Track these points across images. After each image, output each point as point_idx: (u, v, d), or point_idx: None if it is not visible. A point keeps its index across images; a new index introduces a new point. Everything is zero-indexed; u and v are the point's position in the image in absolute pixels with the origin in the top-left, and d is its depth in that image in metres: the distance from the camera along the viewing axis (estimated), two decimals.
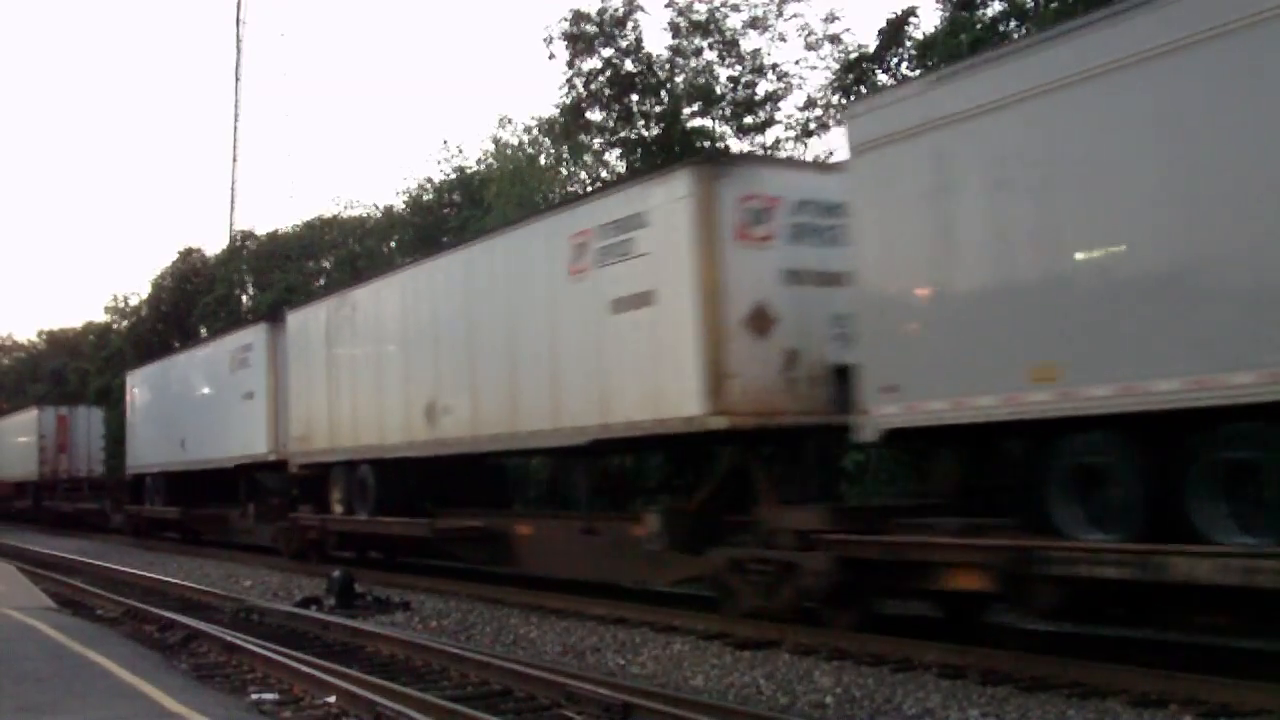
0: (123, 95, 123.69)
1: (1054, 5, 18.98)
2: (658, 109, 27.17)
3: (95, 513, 38.73)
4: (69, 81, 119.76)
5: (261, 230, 45.69)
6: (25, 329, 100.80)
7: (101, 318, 58.77)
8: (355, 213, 42.21)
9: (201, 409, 26.89)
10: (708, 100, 27.13)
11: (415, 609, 14.95)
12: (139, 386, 33.22)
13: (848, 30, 30.45)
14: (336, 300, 20.55)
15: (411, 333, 17.60)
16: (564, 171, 31.71)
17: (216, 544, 26.46)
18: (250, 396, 23.73)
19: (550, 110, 31.42)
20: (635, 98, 27.15)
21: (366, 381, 18.88)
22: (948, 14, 20.67)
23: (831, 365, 11.77)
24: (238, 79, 50.00)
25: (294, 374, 21.55)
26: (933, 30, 20.99)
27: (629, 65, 26.84)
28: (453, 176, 38.00)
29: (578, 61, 26.81)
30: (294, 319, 21.97)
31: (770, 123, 26.98)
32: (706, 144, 27.22)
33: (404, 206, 39.64)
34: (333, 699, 9.07)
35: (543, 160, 31.79)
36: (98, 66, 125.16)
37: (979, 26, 19.95)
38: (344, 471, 19.54)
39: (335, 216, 42.59)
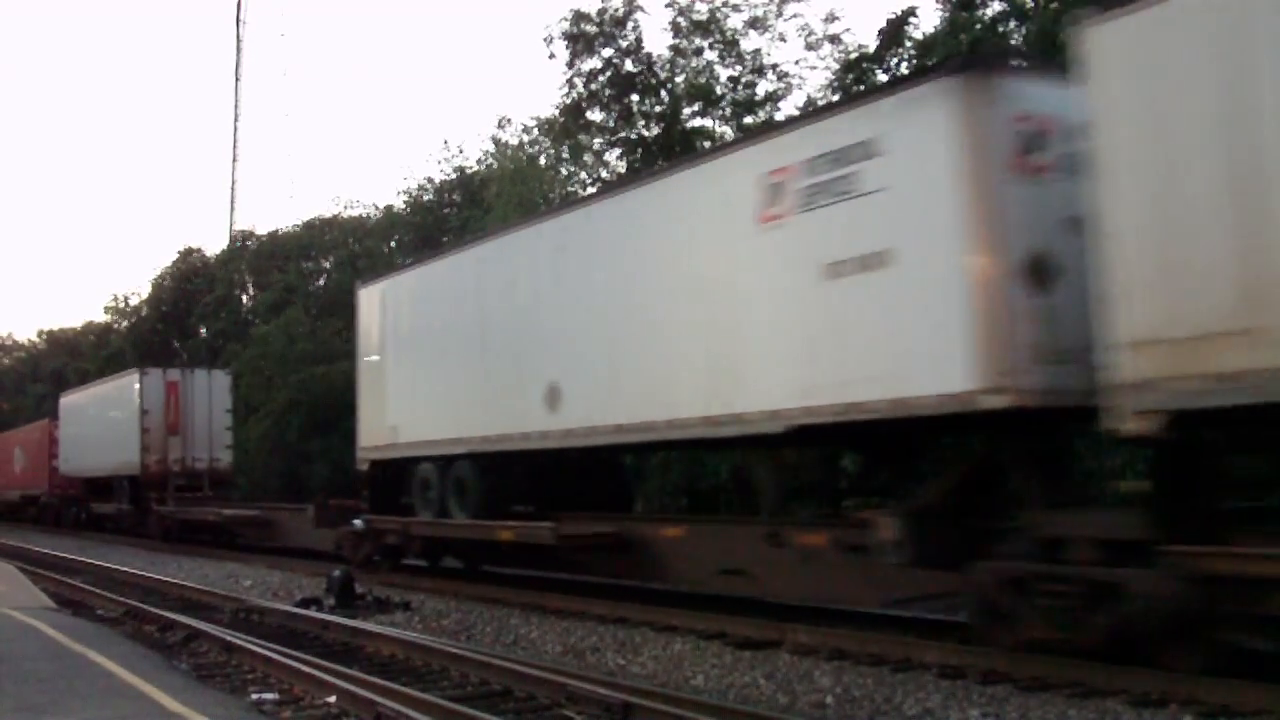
0: (123, 95, 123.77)
1: (1054, 5, 19.00)
2: (658, 109, 27.19)
3: (255, 523, 26.21)
4: (69, 81, 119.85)
5: (261, 230, 45.84)
6: (25, 329, 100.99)
7: (101, 318, 58.92)
8: (355, 213, 42.30)
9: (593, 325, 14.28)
10: (708, 100, 27.14)
11: (415, 609, 14.95)
12: (394, 300, 18.69)
13: (848, 30, 30.46)
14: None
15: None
16: (564, 171, 31.74)
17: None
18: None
19: (550, 110, 31.48)
20: (635, 98, 27.17)
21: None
22: (948, 14, 20.67)
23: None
24: (238, 79, 50.10)
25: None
26: (933, 30, 21.00)
27: (629, 65, 26.87)
28: (453, 176, 38.09)
29: (578, 61, 26.84)
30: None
31: (769, 123, 26.98)
32: (706, 143, 27.31)
33: (404, 206, 39.70)
34: (333, 699, 9.07)
35: (543, 160, 31.81)
36: (98, 66, 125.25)
37: (979, 26, 19.96)
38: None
39: (335, 216, 42.71)
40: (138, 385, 30.88)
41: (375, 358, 18.77)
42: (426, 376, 17.30)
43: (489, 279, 15.88)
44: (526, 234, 15.59)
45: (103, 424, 33.42)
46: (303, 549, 22.63)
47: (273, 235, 44.50)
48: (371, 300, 19.12)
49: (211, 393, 31.28)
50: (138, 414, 30.40)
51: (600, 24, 26.71)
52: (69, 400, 38.42)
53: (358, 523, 18.91)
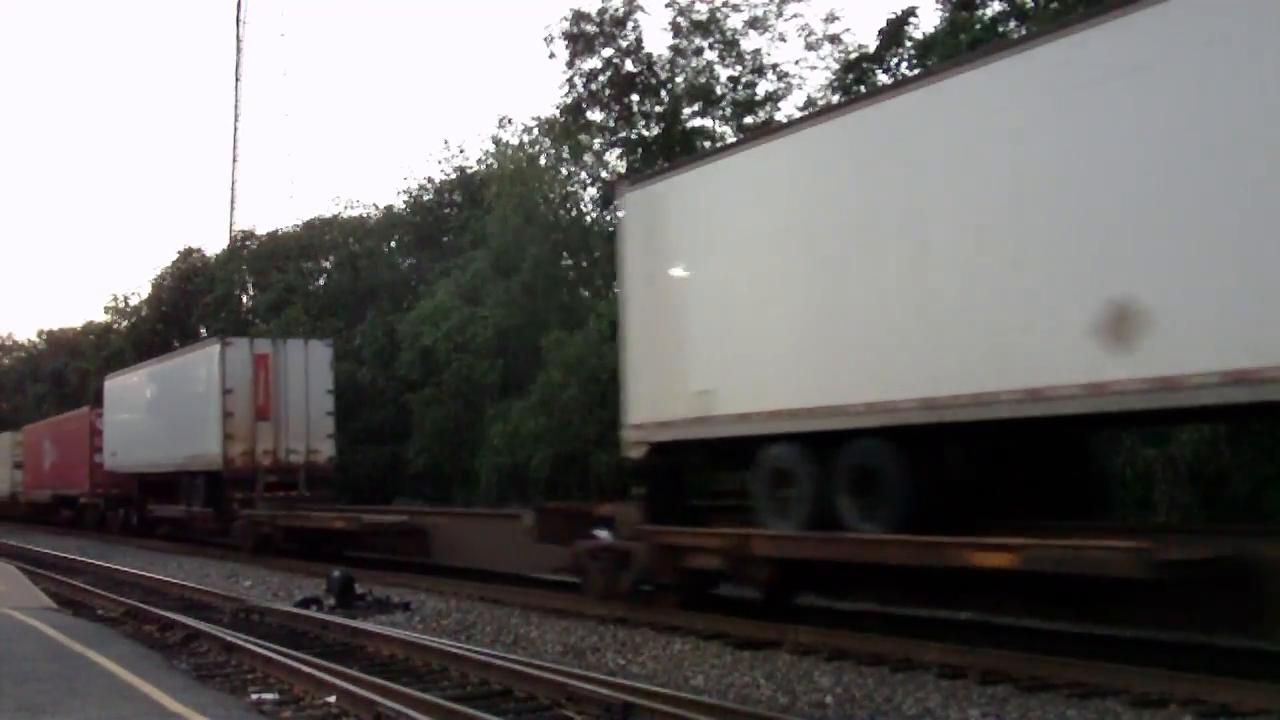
0: (123, 95, 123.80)
1: (1053, 5, 19.01)
2: (658, 109, 27.22)
3: (404, 532, 19.64)
4: (70, 81, 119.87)
5: (261, 230, 45.83)
6: (25, 329, 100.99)
7: (101, 318, 58.90)
8: (355, 213, 42.29)
9: None
10: (708, 100, 27.18)
11: (415, 609, 14.95)
12: (706, 199, 12.67)
13: (848, 30, 30.51)
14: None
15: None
16: (564, 171, 31.77)
17: None
18: None
19: (550, 110, 31.51)
20: (635, 98, 27.21)
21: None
22: (948, 14, 20.68)
23: None
24: (238, 79, 49.97)
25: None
26: (933, 30, 21.02)
27: (629, 65, 26.91)
28: (453, 176, 38.09)
29: (578, 61, 26.91)
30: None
31: (770, 123, 26.99)
32: (706, 143, 27.30)
33: (404, 206, 39.70)
34: (333, 699, 9.07)
35: (543, 160, 31.83)
36: (98, 66, 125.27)
37: (979, 26, 19.98)
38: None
39: (335, 216, 42.68)
40: (219, 359, 24.55)
41: (665, 292, 13.08)
42: (783, 310, 11.49)
43: (931, 140, 10.04)
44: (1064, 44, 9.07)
45: (168, 409, 27.72)
46: (464, 567, 17.70)
47: (273, 235, 44.49)
48: (657, 207, 13.27)
49: (309, 368, 25.00)
50: (219, 394, 24.36)
51: (600, 24, 26.76)
52: (118, 382, 32.75)
53: (603, 534, 13.93)
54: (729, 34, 26.71)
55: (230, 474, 24.39)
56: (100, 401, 34.04)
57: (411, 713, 8.16)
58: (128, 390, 31.50)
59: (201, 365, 25.82)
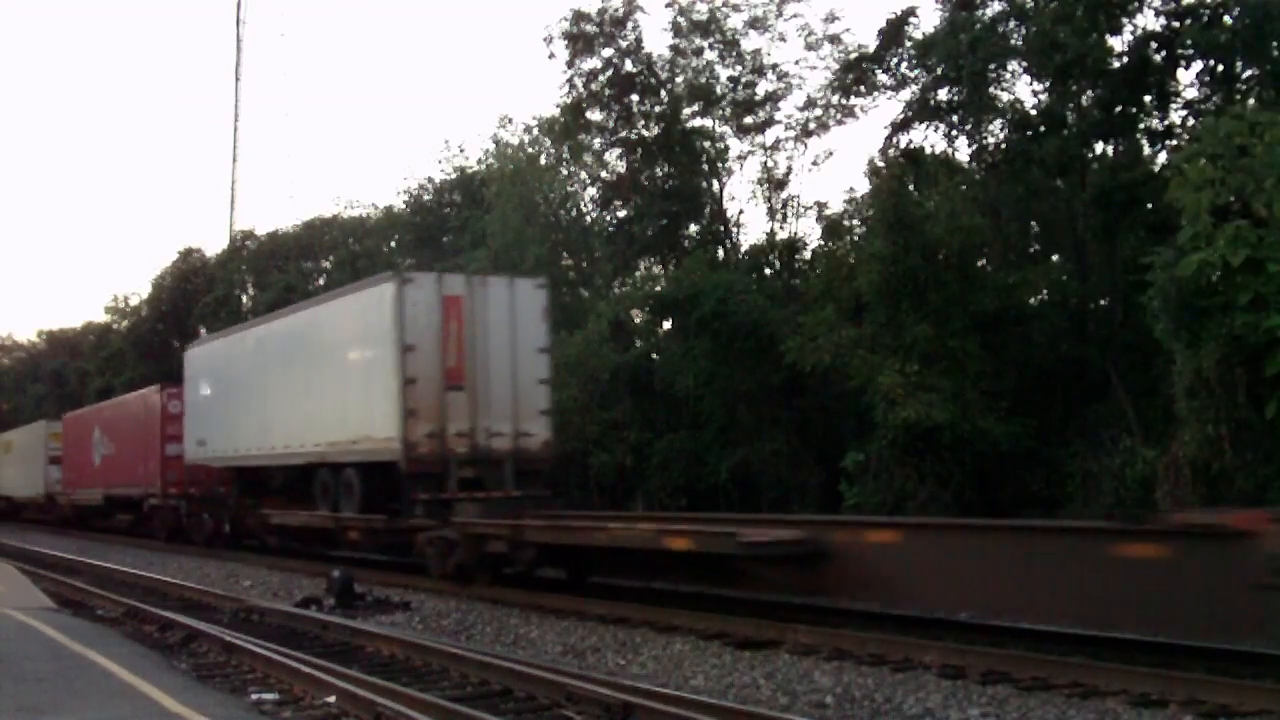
0: (123, 95, 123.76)
1: (1053, 5, 19.00)
2: (658, 109, 27.23)
3: (813, 561, 11.58)
4: (70, 81, 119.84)
5: (261, 230, 45.82)
6: (25, 329, 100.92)
7: (101, 318, 58.95)
8: (355, 213, 42.31)
9: None
10: (708, 100, 27.19)
11: (415, 609, 14.95)
12: None
13: (848, 30, 30.54)
14: None
15: None
16: (564, 171, 31.78)
17: None
18: None
19: (551, 110, 31.53)
20: (635, 97, 27.22)
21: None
22: (948, 14, 20.68)
23: None
24: (238, 79, 49.95)
25: None
26: (933, 30, 21.01)
27: (629, 65, 26.92)
28: (453, 176, 38.09)
29: (578, 61, 26.92)
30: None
31: (770, 123, 27.03)
32: (706, 143, 27.38)
33: (404, 206, 39.72)
34: (333, 699, 9.07)
35: (543, 160, 31.84)
36: (98, 66, 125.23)
37: (979, 26, 19.96)
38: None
39: (335, 216, 42.71)
40: (394, 302, 17.19)
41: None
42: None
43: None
44: None
45: (299, 378, 20.31)
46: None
47: (273, 235, 44.51)
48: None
49: (515, 316, 17.75)
50: (395, 354, 17.10)
51: (600, 24, 26.77)
52: (209, 350, 25.82)
53: None
54: (729, 34, 26.72)
55: (413, 465, 16.99)
56: (172, 381, 28.45)
57: (411, 713, 8.16)
58: (226, 358, 24.03)
59: (363, 313, 18.20)
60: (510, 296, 17.79)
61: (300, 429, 20.09)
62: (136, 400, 30.59)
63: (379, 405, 17.52)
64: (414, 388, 17.00)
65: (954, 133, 21.16)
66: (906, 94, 21.97)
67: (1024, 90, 21.22)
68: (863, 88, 24.48)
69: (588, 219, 31.34)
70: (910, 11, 21.91)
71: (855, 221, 23.62)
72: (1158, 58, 18.76)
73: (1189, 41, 17.98)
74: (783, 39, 26.71)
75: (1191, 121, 18.32)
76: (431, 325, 17.19)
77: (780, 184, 27.12)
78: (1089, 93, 19.45)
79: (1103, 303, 20.74)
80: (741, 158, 27.74)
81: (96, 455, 32.83)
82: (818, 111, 26.34)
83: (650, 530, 13.81)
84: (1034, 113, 19.89)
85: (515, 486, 17.25)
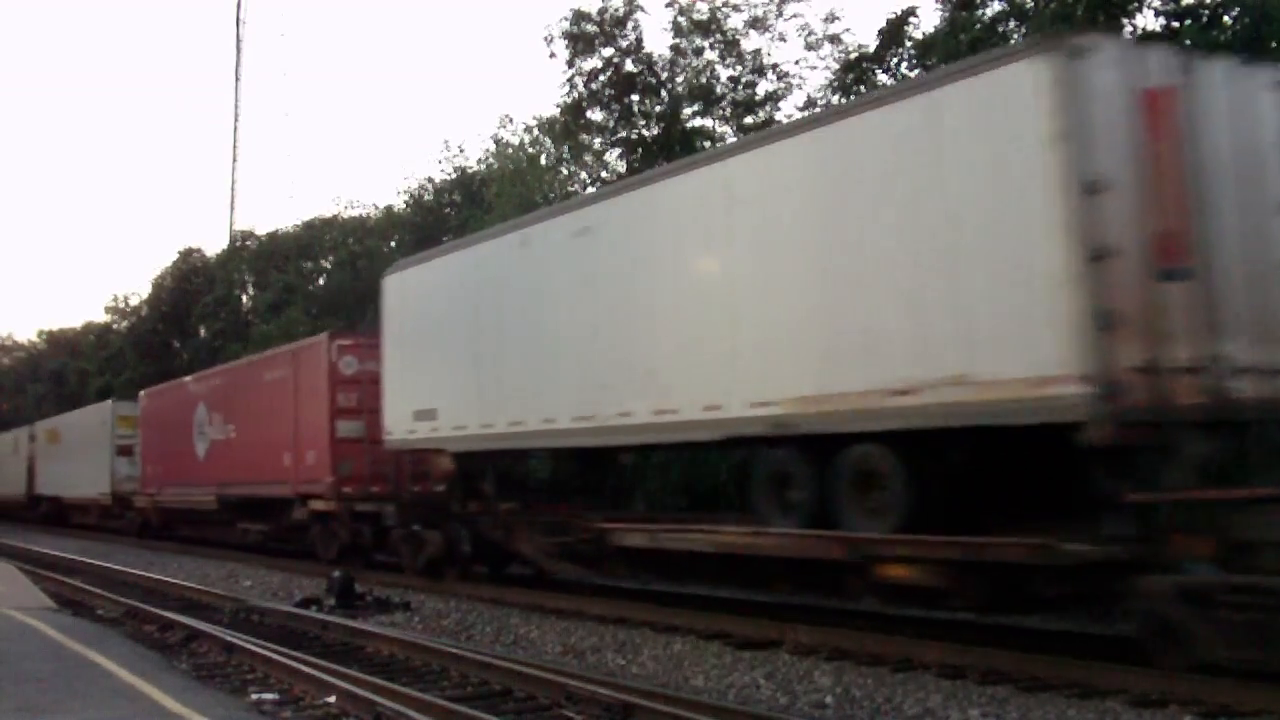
0: (123, 95, 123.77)
1: (1053, 5, 19.00)
2: (658, 109, 27.22)
3: None
4: (70, 81, 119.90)
5: (261, 230, 45.81)
6: (25, 329, 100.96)
7: (101, 318, 58.93)
8: (355, 213, 42.30)
9: None
10: (708, 100, 27.18)
11: (415, 609, 14.95)
12: None
13: (848, 30, 30.55)
14: None
15: None
16: (564, 171, 31.78)
17: None
18: None
19: (551, 110, 31.53)
20: (635, 97, 27.21)
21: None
22: (948, 14, 20.68)
23: None
24: (238, 79, 49.96)
25: None
26: (933, 30, 21.01)
27: (629, 65, 26.91)
28: (453, 176, 38.09)
29: (578, 61, 26.88)
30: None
31: (770, 123, 27.00)
32: (707, 143, 27.27)
33: (404, 206, 39.72)
34: (333, 699, 9.08)
35: (543, 160, 31.84)
36: (98, 66, 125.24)
37: (979, 26, 19.96)
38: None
39: (335, 216, 42.70)
40: (1054, 94, 8.50)
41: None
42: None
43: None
44: None
45: (705, 280, 11.83)
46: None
47: (273, 235, 44.50)
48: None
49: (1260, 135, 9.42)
50: (1059, 198, 8.47)
51: (600, 24, 26.76)
52: (438, 269, 16.53)
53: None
54: (729, 34, 26.71)
55: (1123, 431, 8.35)
56: (338, 331, 21.17)
57: (411, 713, 8.16)
58: (497, 275, 14.98)
59: (969, 117, 9.22)
60: (1251, 97, 9.44)
61: (731, 378, 11.33)
62: (284, 358, 21.61)
63: (1012, 306, 8.83)
64: (1107, 268, 8.44)
65: None
66: None
67: None
68: (863, 88, 24.47)
69: None
70: (910, 11, 21.92)
71: None
72: None
73: (1188, 42, 17.97)
74: (783, 39, 26.74)
75: None
76: (1128, 145, 8.81)
77: None
78: None
79: None
80: None
81: (202, 442, 25.00)
82: (818, 112, 26.37)
83: None
84: None
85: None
